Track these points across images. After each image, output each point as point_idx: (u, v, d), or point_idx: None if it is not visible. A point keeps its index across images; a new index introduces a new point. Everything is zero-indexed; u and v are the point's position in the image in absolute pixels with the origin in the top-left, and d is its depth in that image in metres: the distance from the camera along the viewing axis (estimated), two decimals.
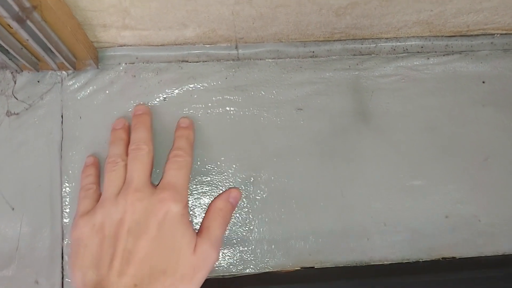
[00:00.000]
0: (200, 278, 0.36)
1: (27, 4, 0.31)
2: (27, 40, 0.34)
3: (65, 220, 0.43)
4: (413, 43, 0.47)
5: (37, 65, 0.42)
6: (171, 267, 0.35)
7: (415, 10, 0.41)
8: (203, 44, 0.44)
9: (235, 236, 0.44)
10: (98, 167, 0.42)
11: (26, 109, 0.43)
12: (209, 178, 0.44)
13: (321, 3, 0.38)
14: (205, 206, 0.44)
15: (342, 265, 0.43)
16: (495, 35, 0.48)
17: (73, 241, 0.37)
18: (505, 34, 0.48)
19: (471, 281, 0.43)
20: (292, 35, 0.44)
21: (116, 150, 0.40)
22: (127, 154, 0.39)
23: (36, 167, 0.43)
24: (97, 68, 0.44)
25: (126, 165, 0.39)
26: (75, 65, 0.42)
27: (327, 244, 0.44)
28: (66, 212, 0.43)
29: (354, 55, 0.46)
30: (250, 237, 0.44)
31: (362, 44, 0.46)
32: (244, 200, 0.44)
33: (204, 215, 0.42)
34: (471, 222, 0.46)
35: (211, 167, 0.44)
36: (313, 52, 0.46)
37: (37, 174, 0.43)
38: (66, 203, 0.43)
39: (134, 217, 0.35)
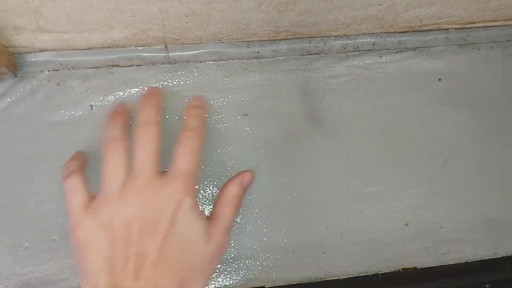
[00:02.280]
0: (215, 267, 0.36)
1: None
2: None
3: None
4: (364, 40, 0.44)
5: None
6: (188, 263, 0.33)
7: (363, 4, 0.38)
8: (135, 47, 0.41)
9: None
10: (82, 156, 0.39)
11: None
12: None
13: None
14: None
15: (296, 283, 0.40)
16: (450, 29, 0.46)
17: (79, 243, 0.33)
18: (460, 28, 0.46)
19: None
20: (234, 35, 0.41)
21: (116, 131, 0.35)
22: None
23: None
24: (15, 76, 0.40)
25: (127, 150, 0.35)
26: None
27: (279, 260, 0.41)
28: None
29: (302, 55, 0.44)
30: None
31: (310, 43, 0.43)
32: None
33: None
34: (432, 229, 0.44)
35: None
36: (258, 52, 0.43)
37: None
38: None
39: (145, 215, 0.32)
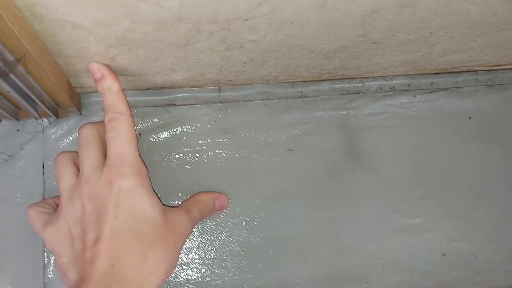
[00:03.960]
0: (175, 240, 0.36)
1: (11, 58, 0.31)
2: (9, 92, 0.34)
3: (49, 276, 0.41)
4: (399, 81, 0.48)
5: (17, 114, 0.41)
6: (147, 234, 0.34)
7: (403, 51, 0.42)
8: (191, 87, 0.45)
9: (229, 284, 0.43)
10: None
11: (6, 160, 0.42)
12: (199, 225, 0.44)
13: (311, 48, 0.38)
14: (195, 251, 0.43)
15: None
16: (479, 71, 0.50)
17: (52, 254, 0.36)
18: (488, 70, 0.50)
19: None
20: (281, 76, 0.45)
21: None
22: None
23: (18, 221, 0.41)
24: (81, 114, 0.44)
25: (74, 158, 0.38)
26: (57, 113, 0.42)
27: None
28: (49, 268, 0.41)
29: (342, 94, 0.48)
30: (245, 286, 0.43)
31: (349, 84, 0.47)
32: (237, 246, 0.44)
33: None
34: (468, 260, 0.46)
35: None
36: (302, 92, 0.47)
37: (18, 229, 0.41)
38: (50, 258, 0.41)
39: (91, 207, 0.34)
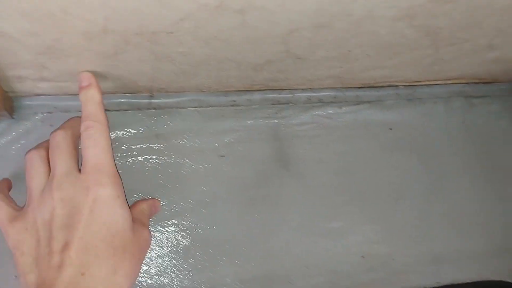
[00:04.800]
0: (140, 256, 0.36)
1: None
2: None
3: None
4: (326, 93, 0.52)
5: None
6: (118, 247, 0.34)
7: (326, 67, 0.46)
8: (124, 93, 0.46)
9: (155, 285, 0.45)
10: (6, 181, 0.41)
11: None
12: None
13: (239, 61, 0.41)
14: None
15: None
16: (399, 86, 0.54)
17: (12, 251, 0.35)
18: (408, 85, 0.54)
19: None
20: (214, 86, 0.48)
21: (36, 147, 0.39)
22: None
23: None
24: (12, 118, 0.44)
25: (45, 158, 0.37)
26: None
27: None
28: None
29: (273, 104, 0.51)
30: (171, 286, 0.45)
31: (280, 94, 0.50)
32: (165, 248, 0.46)
33: None
34: (386, 261, 0.50)
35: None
36: (234, 101, 0.49)
37: None
38: None
39: (63, 211, 0.34)
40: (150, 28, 0.33)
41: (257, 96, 0.50)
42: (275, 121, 0.51)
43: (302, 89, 0.51)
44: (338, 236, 0.50)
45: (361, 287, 0.49)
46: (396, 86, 0.54)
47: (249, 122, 0.50)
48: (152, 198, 0.45)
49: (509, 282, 0.52)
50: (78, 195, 0.34)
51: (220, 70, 0.43)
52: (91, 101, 0.37)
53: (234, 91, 0.49)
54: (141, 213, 0.41)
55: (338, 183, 0.51)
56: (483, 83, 0.56)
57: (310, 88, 0.51)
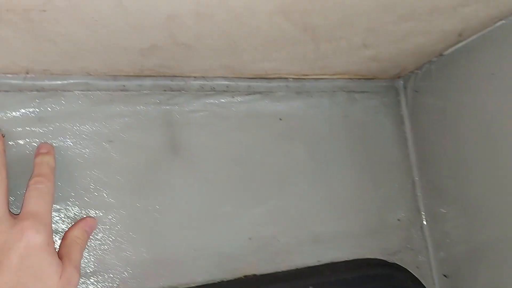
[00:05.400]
0: None
1: None
2: None
3: None
4: (219, 82, 0.54)
5: None
6: None
7: (217, 56, 0.47)
8: (3, 73, 0.44)
9: None
10: None
11: None
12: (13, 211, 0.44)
13: (124, 45, 0.41)
14: None
15: None
16: (289, 79, 0.58)
17: None
18: (297, 79, 0.58)
19: None
20: (102, 69, 0.47)
21: None
22: None
23: None
24: None
25: None
26: None
27: (137, 273, 0.47)
28: None
29: (165, 90, 0.51)
30: None
31: (172, 81, 0.51)
32: None
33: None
34: (271, 243, 0.54)
35: (12, 200, 0.43)
36: (124, 86, 0.49)
37: None
38: None
39: None
40: (21, 4, 0.32)
41: (148, 81, 0.50)
42: (167, 107, 0.51)
43: (195, 77, 0.53)
44: (226, 220, 0.52)
45: (248, 267, 0.52)
46: (286, 78, 0.58)
47: (139, 107, 0.50)
48: (83, 218, 0.45)
49: (382, 260, 0.58)
50: (11, 237, 0.36)
51: (106, 54, 0.43)
52: (46, 165, 0.42)
53: (124, 75, 0.49)
54: (73, 244, 0.42)
55: (229, 170, 0.53)
56: (365, 79, 0.62)
57: (203, 76, 0.53)
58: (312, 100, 0.59)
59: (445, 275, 0.59)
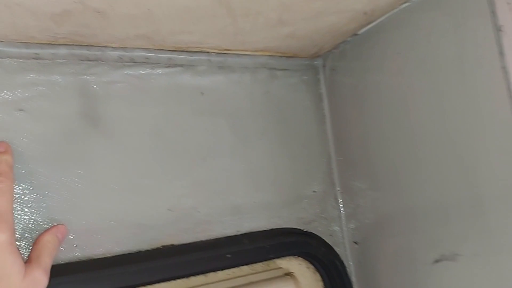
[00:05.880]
0: None
1: None
2: None
3: None
4: (138, 54, 0.54)
5: None
6: None
7: (132, 26, 0.47)
8: None
9: None
10: None
11: None
12: None
13: (32, 8, 0.40)
14: None
15: (65, 262, 0.46)
16: (211, 53, 0.59)
17: None
18: (219, 53, 0.59)
19: (188, 263, 0.52)
20: (11, 36, 0.46)
21: None
22: None
23: None
24: None
25: None
26: None
27: None
28: None
29: (81, 60, 0.51)
30: None
31: (89, 51, 0.51)
32: None
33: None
34: (191, 213, 0.55)
35: None
36: (37, 54, 0.48)
37: None
38: None
39: None
40: None
41: (63, 50, 0.49)
42: (84, 77, 0.51)
43: (113, 47, 0.52)
44: (146, 191, 0.52)
45: (167, 238, 0.53)
46: (208, 53, 0.59)
47: (54, 77, 0.49)
48: (55, 226, 0.46)
49: (298, 229, 0.61)
50: None
51: (13, 17, 0.42)
52: (5, 163, 0.43)
53: (37, 43, 0.48)
54: (43, 247, 0.43)
55: (149, 143, 0.54)
56: (286, 57, 0.64)
57: (122, 47, 0.53)
58: (234, 75, 0.61)
59: (355, 242, 0.63)
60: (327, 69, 0.66)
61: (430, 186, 0.53)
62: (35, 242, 0.44)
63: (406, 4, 0.53)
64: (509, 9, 0.44)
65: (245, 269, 0.58)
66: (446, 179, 0.50)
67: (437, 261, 0.51)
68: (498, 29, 0.44)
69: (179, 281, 0.53)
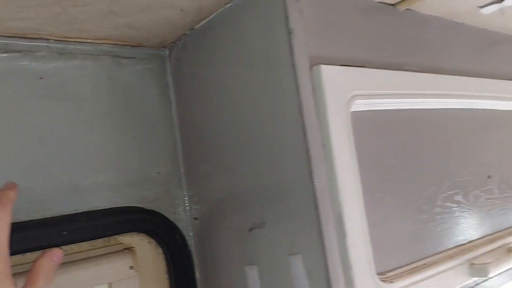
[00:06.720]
0: None
1: None
2: None
3: None
4: None
5: None
6: None
7: None
8: None
9: None
10: None
11: None
12: None
13: None
14: None
15: None
16: (50, 40, 0.61)
17: None
18: (59, 40, 0.62)
19: (21, 240, 0.55)
20: None
21: None
22: None
23: None
24: None
25: None
26: None
27: None
28: None
29: None
30: None
31: None
32: None
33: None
34: (27, 193, 0.58)
35: None
36: None
37: None
38: None
39: None
40: None
41: None
42: None
43: None
44: None
45: None
46: (47, 39, 0.61)
47: None
48: (51, 249, 0.48)
49: (140, 207, 0.67)
50: None
51: None
52: (6, 196, 0.47)
53: None
54: (39, 271, 0.45)
55: None
56: (130, 46, 0.69)
57: None
58: (75, 61, 0.64)
59: (195, 218, 0.70)
60: (173, 59, 0.72)
61: (250, 169, 0.61)
62: (32, 267, 0.46)
63: (229, 4, 0.61)
64: (300, 16, 0.54)
65: (84, 245, 0.62)
66: (260, 164, 0.59)
67: (251, 229, 0.60)
68: (289, 32, 0.53)
69: (13, 257, 0.56)
